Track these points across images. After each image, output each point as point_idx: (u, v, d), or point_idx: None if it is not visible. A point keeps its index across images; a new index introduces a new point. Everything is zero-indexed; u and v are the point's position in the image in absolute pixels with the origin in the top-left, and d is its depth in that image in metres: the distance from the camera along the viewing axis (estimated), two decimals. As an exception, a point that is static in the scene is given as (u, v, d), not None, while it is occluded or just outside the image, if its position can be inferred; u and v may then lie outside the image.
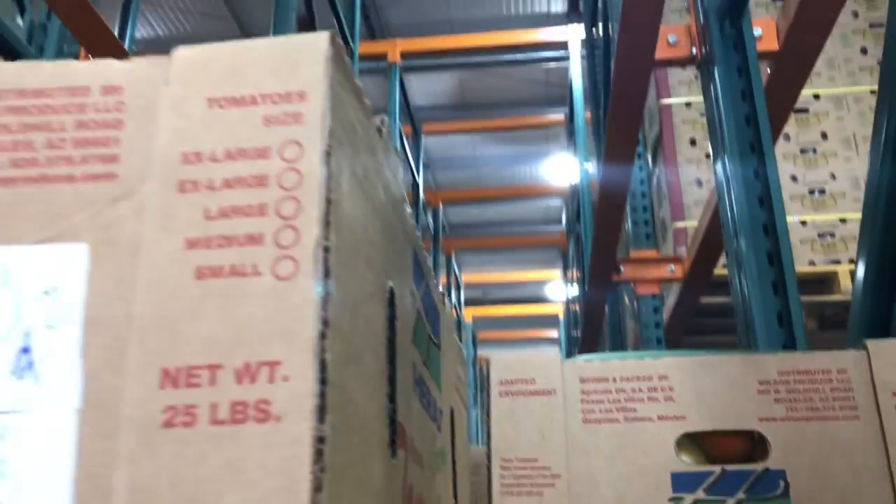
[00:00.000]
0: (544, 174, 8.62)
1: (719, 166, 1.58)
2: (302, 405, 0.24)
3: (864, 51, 3.15)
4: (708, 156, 3.13)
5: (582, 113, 5.00)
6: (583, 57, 4.90)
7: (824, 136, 3.10)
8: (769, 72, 1.66)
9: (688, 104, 3.23)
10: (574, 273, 6.03)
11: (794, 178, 3.05)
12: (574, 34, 5.42)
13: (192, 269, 0.26)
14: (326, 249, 0.26)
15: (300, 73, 0.29)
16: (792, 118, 3.11)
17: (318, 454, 0.24)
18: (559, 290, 9.51)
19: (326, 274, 0.26)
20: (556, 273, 9.52)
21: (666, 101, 3.26)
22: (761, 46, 1.56)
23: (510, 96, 7.50)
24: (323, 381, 0.25)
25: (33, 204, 0.28)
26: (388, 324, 0.34)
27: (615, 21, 2.55)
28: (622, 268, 3.21)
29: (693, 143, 3.18)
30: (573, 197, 5.86)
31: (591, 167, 4.48)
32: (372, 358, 0.30)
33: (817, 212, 3.01)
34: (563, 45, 5.64)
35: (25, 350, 0.26)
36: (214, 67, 0.29)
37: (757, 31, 1.56)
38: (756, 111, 1.47)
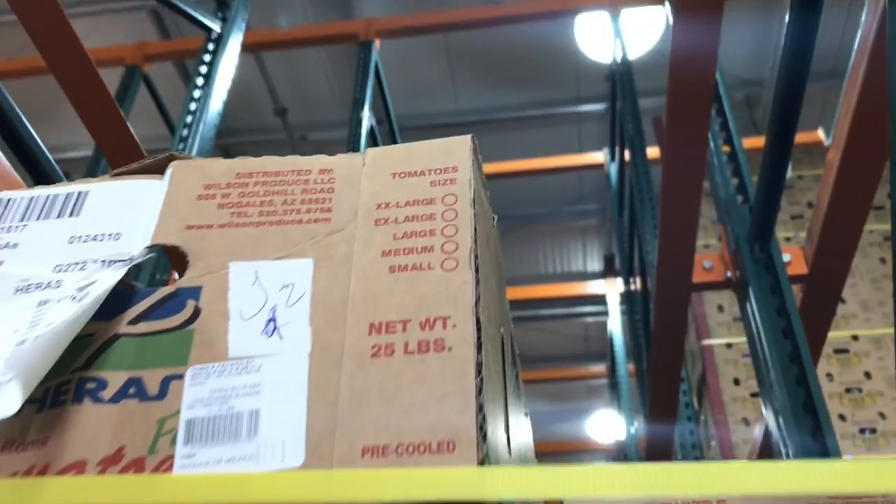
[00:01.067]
0: (588, 431, 8.54)
1: (763, 382, 1.67)
2: (467, 341, 0.36)
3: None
4: (753, 395, 3.19)
5: (624, 364, 5.11)
6: (623, 312, 5.11)
7: (868, 375, 3.15)
8: (802, 295, 1.79)
9: (728, 345, 3.34)
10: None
11: (842, 418, 3.07)
12: (612, 288, 5.67)
13: (386, 267, 0.39)
14: (476, 255, 0.39)
15: (453, 155, 0.43)
16: (833, 358, 3.19)
17: (479, 370, 0.35)
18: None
19: (476, 270, 0.39)
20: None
21: (707, 341, 3.38)
22: (791, 270, 1.71)
23: (550, 351, 7.67)
24: (479, 329, 0.37)
25: (274, 237, 0.42)
26: (501, 353, 0.45)
27: (652, 269, 2.75)
28: (675, 510, 3.14)
29: (737, 382, 3.25)
30: (619, 453, 5.79)
31: (637, 422, 4.50)
32: (495, 353, 0.42)
33: (870, 451, 2.99)
34: (602, 299, 5.87)
35: (272, 320, 0.39)
36: (395, 155, 0.44)
37: (786, 257, 1.72)
38: (792, 325, 1.59)
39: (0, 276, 0.43)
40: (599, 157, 5.15)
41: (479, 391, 0.35)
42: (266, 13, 4.37)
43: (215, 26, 2.19)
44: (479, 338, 0.36)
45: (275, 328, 0.38)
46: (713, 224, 3.61)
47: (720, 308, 3.44)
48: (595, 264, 7.03)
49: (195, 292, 0.40)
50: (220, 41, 2.17)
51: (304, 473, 0.34)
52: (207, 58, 2.17)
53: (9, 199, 0.46)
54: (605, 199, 5.75)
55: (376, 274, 0.39)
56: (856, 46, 1.73)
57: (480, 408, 0.34)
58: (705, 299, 3.52)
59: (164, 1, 2.02)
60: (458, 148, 0.44)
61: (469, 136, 0.44)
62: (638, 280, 3.50)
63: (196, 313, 0.40)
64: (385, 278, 0.39)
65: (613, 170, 4.73)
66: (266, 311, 0.39)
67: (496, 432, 0.36)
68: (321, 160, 0.45)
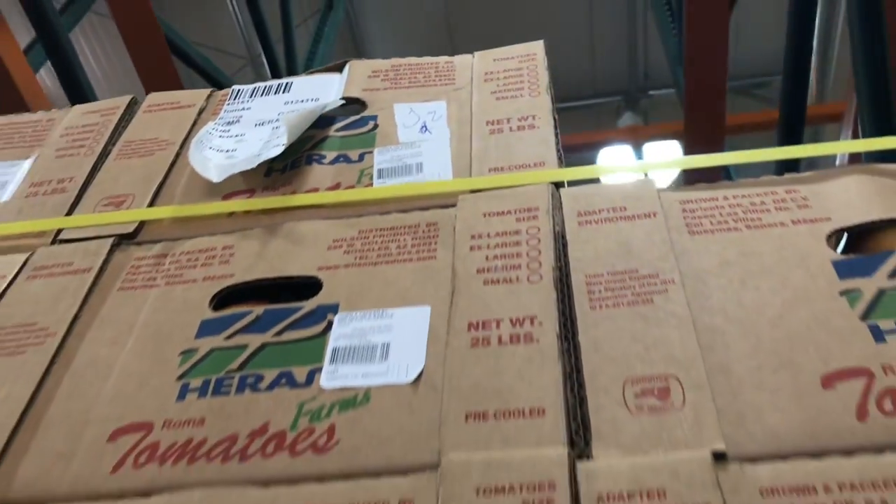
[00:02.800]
0: None
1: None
2: (547, 123, 0.59)
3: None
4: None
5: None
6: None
7: None
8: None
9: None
10: None
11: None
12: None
13: (494, 98, 0.63)
14: (550, 90, 0.63)
15: (531, 48, 0.68)
16: None
17: (557, 138, 0.58)
18: None
19: (551, 97, 0.62)
20: None
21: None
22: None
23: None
24: (555, 119, 0.60)
25: (420, 92, 0.66)
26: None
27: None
28: None
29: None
30: None
31: None
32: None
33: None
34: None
35: (423, 125, 0.62)
36: (494, 52, 0.69)
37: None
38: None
39: (242, 120, 0.67)
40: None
41: (557, 143, 0.58)
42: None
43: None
44: (555, 124, 0.60)
45: (426, 129, 0.62)
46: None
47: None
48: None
49: (374, 118, 0.64)
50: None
51: (455, 179, 0.56)
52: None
53: (238, 89, 0.71)
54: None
55: (487, 101, 0.63)
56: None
57: (559, 150, 0.57)
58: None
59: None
60: (535, 46, 0.69)
61: (541, 41, 0.69)
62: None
63: (376, 126, 0.63)
64: (494, 103, 0.63)
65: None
66: (419, 123, 0.63)
67: (564, 164, 0.58)
68: (445, 58, 0.70)
